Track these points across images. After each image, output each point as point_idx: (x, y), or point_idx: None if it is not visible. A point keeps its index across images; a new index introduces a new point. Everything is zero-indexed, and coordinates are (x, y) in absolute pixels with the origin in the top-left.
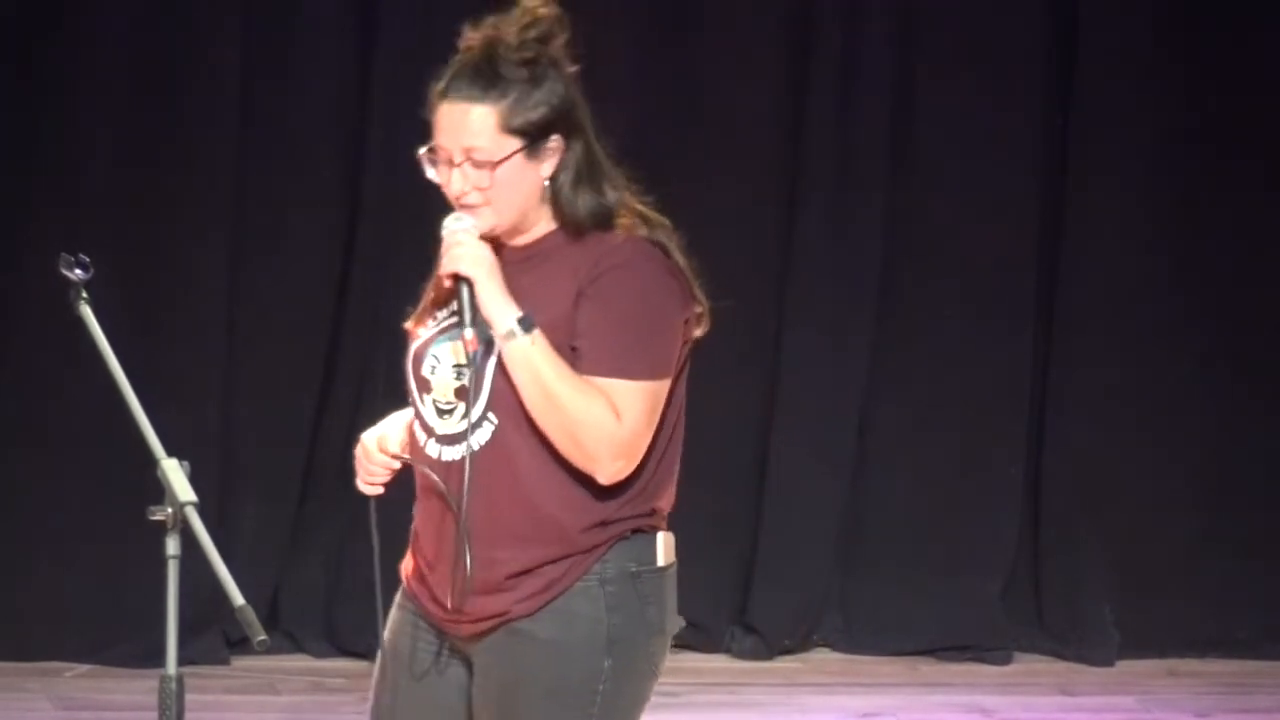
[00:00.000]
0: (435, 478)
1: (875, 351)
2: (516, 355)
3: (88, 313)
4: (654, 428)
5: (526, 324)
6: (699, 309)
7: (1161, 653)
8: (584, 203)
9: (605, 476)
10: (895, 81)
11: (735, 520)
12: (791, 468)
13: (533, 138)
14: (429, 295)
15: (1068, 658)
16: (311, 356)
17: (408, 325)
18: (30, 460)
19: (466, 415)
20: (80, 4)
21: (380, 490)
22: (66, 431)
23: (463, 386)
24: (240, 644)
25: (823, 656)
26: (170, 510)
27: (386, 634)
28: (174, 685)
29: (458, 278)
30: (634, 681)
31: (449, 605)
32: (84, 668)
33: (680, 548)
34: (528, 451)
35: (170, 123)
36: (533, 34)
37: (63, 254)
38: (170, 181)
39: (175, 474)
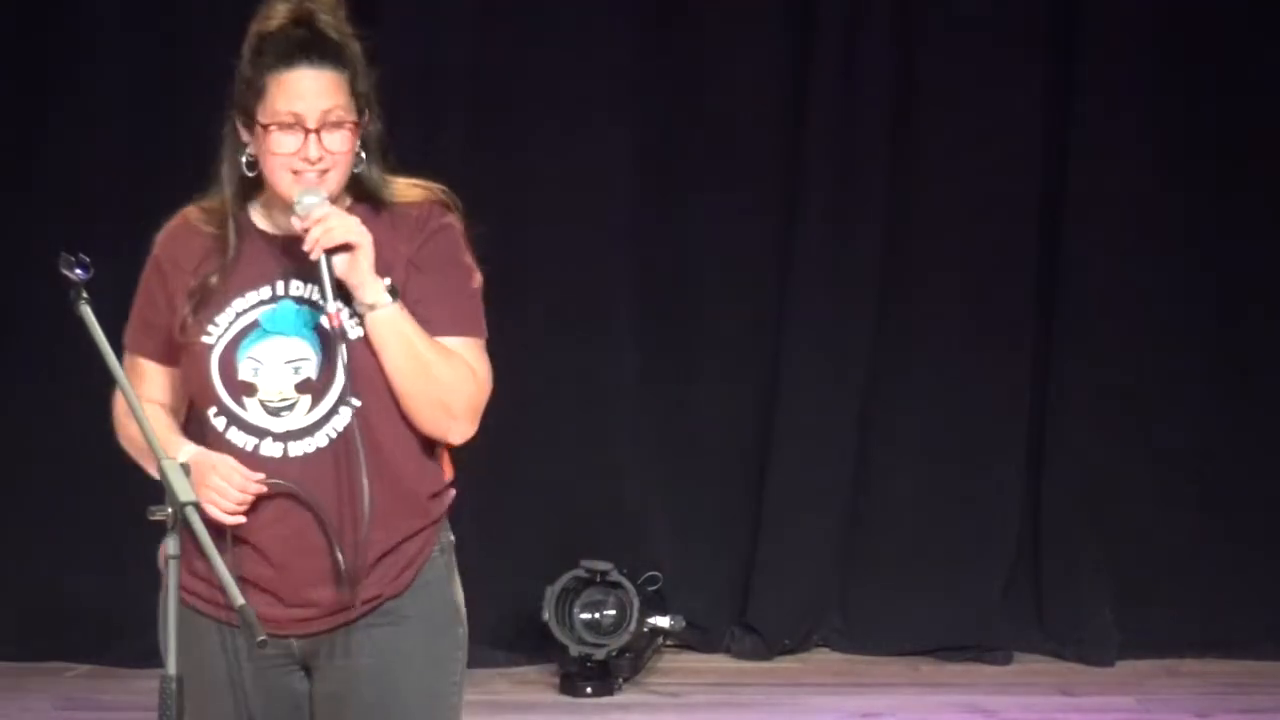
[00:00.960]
0: (281, 482)
1: (875, 352)
2: (387, 323)
3: (88, 313)
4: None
5: (394, 291)
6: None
7: (1161, 653)
8: (381, 176)
9: (461, 437)
10: (895, 81)
11: (735, 520)
12: (791, 468)
13: (364, 107)
14: (192, 302)
15: (1068, 658)
16: None
17: (180, 338)
18: (31, 461)
19: (320, 402)
20: (80, 5)
21: (243, 519)
22: (67, 432)
23: (306, 379)
24: None
25: (823, 656)
26: (170, 510)
27: (192, 664)
28: (174, 685)
29: (338, 249)
30: (469, 644)
31: (320, 606)
32: (84, 668)
33: (680, 547)
34: (388, 427)
35: (170, 123)
36: (338, 7)
37: (63, 254)
38: (170, 182)
39: (175, 474)
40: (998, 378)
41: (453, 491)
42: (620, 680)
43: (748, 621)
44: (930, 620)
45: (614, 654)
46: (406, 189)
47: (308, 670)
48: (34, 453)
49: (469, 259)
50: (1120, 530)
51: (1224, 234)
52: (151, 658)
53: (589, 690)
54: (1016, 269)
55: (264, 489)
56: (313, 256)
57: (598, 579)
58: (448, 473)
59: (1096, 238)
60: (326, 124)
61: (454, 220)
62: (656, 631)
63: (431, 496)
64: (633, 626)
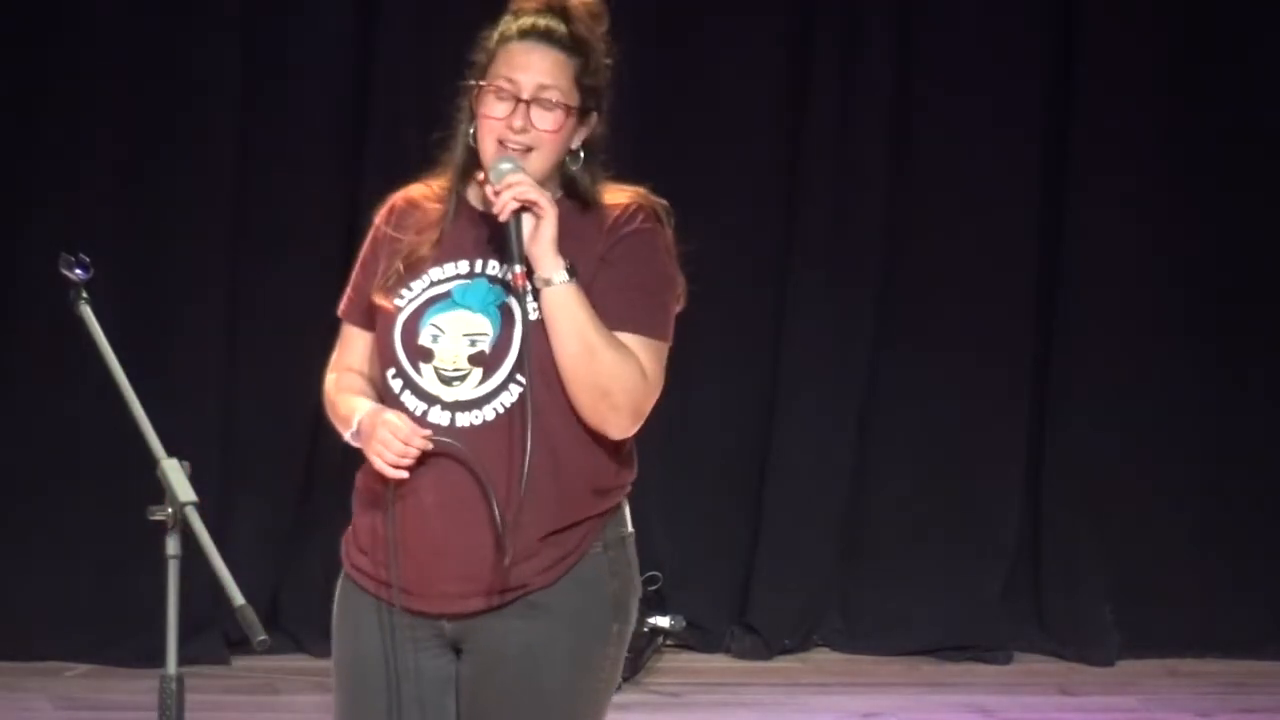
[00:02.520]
0: (448, 441)
1: (875, 351)
2: (561, 300)
3: (88, 313)
4: (661, 388)
5: (573, 271)
6: (682, 281)
7: (1161, 653)
8: (597, 178)
9: (620, 431)
10: (895, 81)
11: (735, 520)
12: (791, 468)
13: (587, 103)
14: (397, 266)
15: (1068, 658)
16: (311, 356)
17: (377, 300)
18: (31, 460)
19: (490, 376)
20: (80, 4)
21: (406, 475)
22: (67, 431)
23: (480, 352)
24: (240, 644)
25: (823, 656)
26: (170, 510)
27: (348, 637)
28: (174, 685)
29: (525, 209)
30: (627, 642)
31: (475, 583)
32: (84, 668)
33: (680, 547)
34: (554, 410)
35: (170, 123)
36: (595, 11)
37: (63, 254)
38: (170, 182)
39: (175, 474)
40: (998, 378)
41: (625, 489)
42: (620, 680)
43: (748, 621)
44: (930, 620)
45: None
46: (616, 192)
47: (458, 652)
48: (34, 453)
49: (665, 265)
50: (1120, 530)
51: (1225, 234)
52: (152, 658)
53: None
54: (1017, 269)
55: (429, 445)
56: (501, 218)
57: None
58: (625, 472)
59: (1096, 238)
60: (539, 99)
61: (655, 226)
62: (656, 631)
63: (596, 491)
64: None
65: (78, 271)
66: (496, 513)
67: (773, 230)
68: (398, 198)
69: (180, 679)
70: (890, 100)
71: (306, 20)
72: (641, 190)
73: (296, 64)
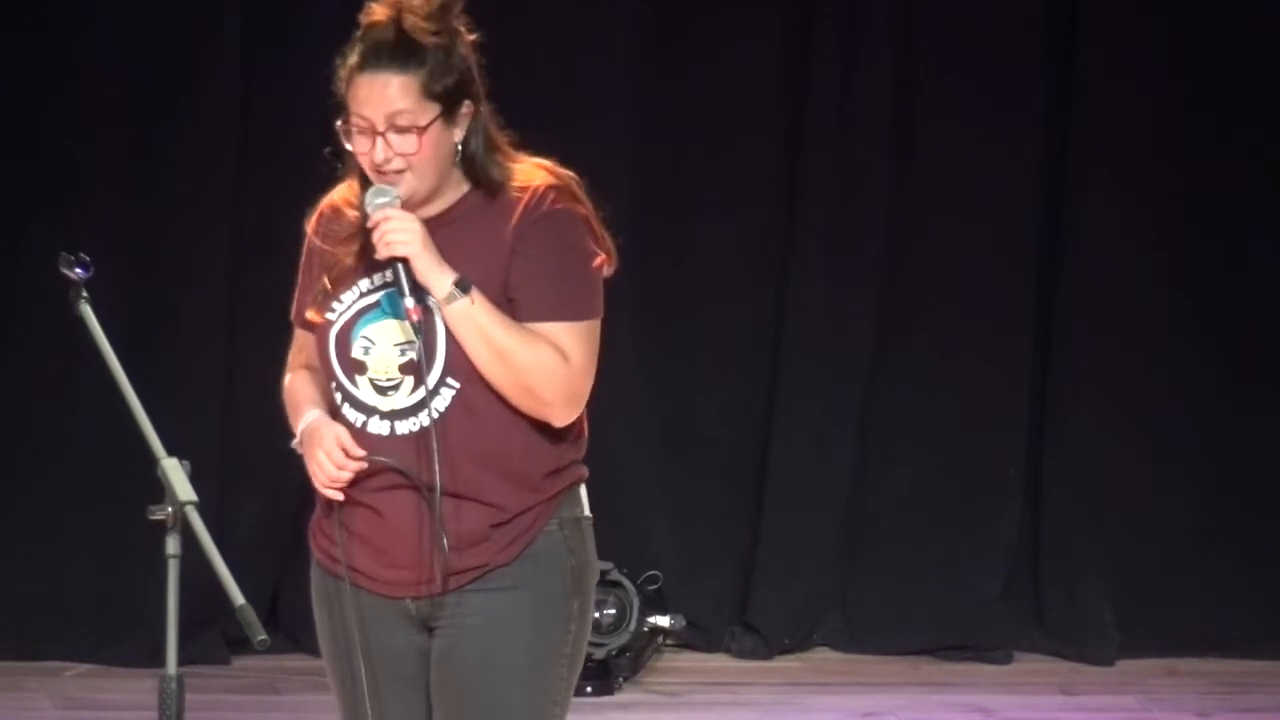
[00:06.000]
0: (386, 460)
1: (875, 351)
2: (459, 316)
3: (88, 312)
4: (595, 366)
5: (464, 285)
6: (608, 248)
7: (1161, 653)
8: (495, 164)
9: (560, 419)
10: (895, 80)
11: (735, 520)
12: (791, 468)
13: (449, 103)
14: (324, 282)
15: (1068, 658)
16: None
17: (310, 316)
18: (31, 459)
19: (422, 384)
20: (80, 4)
21: (340, 495)
22: (66, 431)
23: (410, 361)
24: (240, 644)
25: (823, 656)
26: (170, 510)
27: (322, 619)
28: (174, 685)
29: (394, 258)
30: (589, 619)
31: (426, 571)
32: (84, 667)
33: (680, 547)
34: (491, 408)
35: (170, 123)
36: (436, 5)
37: (63, 254)
38: (170, 182)
39: (175, 474)
40: (998, 378)
41: (577, 469)
42: (620, 680)
43: (748, 621)
44: (930, 620)
45: (614, 653)
46: (528, 171)
47: (431, 629)
48: (34, 453)
49: (581, 242)
50: (1120, 530)
51: (1225, 233)
52: (152, 658)
53: (589, 690)
54: (1016, 268)
55: (365, 465)
56: (378, 257)
57: (598, 579)
58: (571, 450)
59: (1097, 238)
60: (393, 127)
61: (566, 204)
62: (656, 631)
63: (546, 474)
64: (633, 626)
65: (78, 271)
66: (438, 518)
67: (773, 230)
68: (325, 204)
69: (180, 679)
70: (890, 99)
71: (306, 21)
72: (548, 165)
73: (296, 64)
